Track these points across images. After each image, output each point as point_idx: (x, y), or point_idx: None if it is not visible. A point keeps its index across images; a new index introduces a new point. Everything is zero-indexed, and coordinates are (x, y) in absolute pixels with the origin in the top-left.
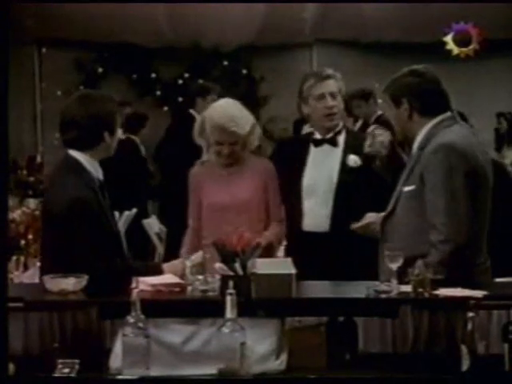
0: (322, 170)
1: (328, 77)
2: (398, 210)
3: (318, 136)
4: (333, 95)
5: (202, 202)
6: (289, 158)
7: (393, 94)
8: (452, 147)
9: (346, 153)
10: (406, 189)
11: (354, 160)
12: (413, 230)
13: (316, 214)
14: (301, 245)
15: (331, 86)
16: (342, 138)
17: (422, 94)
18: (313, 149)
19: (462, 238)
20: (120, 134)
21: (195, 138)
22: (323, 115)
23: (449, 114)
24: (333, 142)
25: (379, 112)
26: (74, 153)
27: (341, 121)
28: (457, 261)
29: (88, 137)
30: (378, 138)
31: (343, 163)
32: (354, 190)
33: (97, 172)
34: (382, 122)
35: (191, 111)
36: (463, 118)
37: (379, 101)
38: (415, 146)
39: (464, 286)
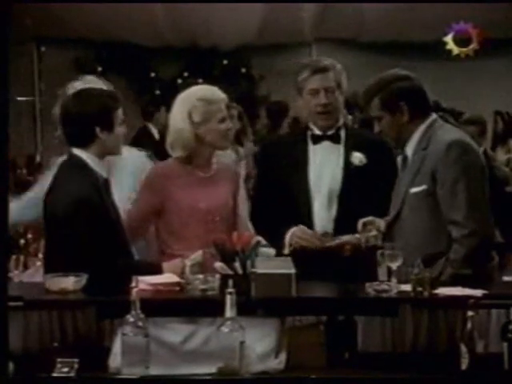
0: (324, 168)
1: (324, 69)
2: (406, 212)
3: (317, 132)
4: (329, 90)
5: (179, 205)
6: (284, 157)
7: (387, 100)
8: (465, 143)
9: (348, 150)
10: (415, 190)
11: (359, 158)
12: (427, 229)
13: (321, 216)
14: (310, 250)
15: (327, 79)
16: (342, 135)
17: (417, 96)
18: (311, 146)
19: (487, 231)
20: (121, 131)
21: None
22: (316, 112)
23: (436, 113)
24: (335, 139)
25: None
26: (77, 151)
27: (339, 117)
28: (482, 255)
29: (79, 132)
30: (372, 233)
31: (347, 161)
32: (360, 191)
33: (101, 170)
34: None
35: None
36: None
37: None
38: (412, 147)
39: (484, 283)
